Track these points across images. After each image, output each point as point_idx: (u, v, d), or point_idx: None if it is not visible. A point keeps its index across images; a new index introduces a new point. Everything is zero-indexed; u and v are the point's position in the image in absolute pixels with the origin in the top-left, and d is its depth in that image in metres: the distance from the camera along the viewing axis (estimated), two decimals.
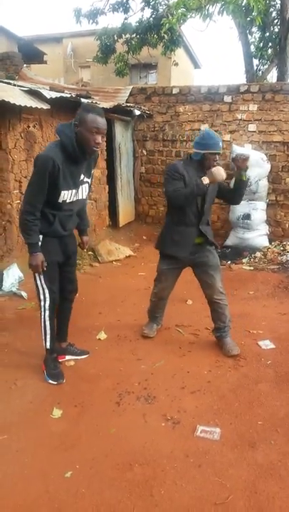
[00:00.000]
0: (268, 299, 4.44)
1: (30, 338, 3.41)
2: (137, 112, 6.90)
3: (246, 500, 1.92)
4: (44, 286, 2.70)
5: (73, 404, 2.61)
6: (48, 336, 2.81)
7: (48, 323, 2.78)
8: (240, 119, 6.46)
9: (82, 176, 2.62)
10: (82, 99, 5.34)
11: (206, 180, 2.87)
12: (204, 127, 6.74)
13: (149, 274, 5.30)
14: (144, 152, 7.34)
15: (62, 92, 5.52)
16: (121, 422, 2.47)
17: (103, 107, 5.76)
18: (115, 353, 3.26)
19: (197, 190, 2.90)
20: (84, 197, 2.72)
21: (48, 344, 2.83)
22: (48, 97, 4.59)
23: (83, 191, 2.69)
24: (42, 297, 2.73)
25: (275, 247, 6.20)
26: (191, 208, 3.08)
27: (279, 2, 9.13)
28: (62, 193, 2.52)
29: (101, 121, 2.41)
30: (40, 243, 2.58)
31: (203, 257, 3.19)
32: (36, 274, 2.68)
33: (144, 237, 7.11)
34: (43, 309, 2.75)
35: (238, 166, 2.99)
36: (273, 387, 2.80)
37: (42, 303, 2.74)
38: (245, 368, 3.05)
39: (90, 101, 5.56)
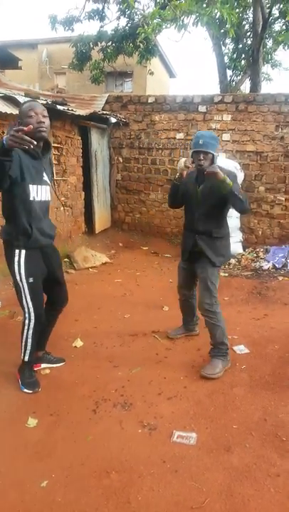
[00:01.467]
0: (242, 305, 4.52)
1: (4, 347, 3.36)
2: (113, 120, 6.94)
3: (222, 503, 1.94)
4: (30, 305, 2.64)
5: (49, 413, 2.58)
6: (28, 351, 2.76)
7: (30, 340, 2.73)
8: (215, 129, 6.59)
9: (44, 175, 2.59)
10: (58, 106, 5.34)
11: (175, 175, 3.01)
12: (179, 136, 6.85)
13: (126, 281, 5.34)
14: (120, 159, 7.38)
15: (38, 98, 5.50)
16: (98, 429, 2.46)
17: (79, 114, 5.78)
18: (92, 361, 3.25)
19: (171, 186, 3.12)
20: (48, 198, 2.68)
21: (27, 357, 2.78)
22: (23, 102, 4.56)
23: (47, 192, 2.65)
24: (27, 316, 2.67)
25: (249, 253, 6.33)
26: (187, 213, 3.16)
27: (251, 15, 9.41)
28: (31, 187, 2.47)
29: (35, 104, 2.47)
30: (21, 258, 2.55)
31: (197, 268, 3.13)
32: (22, 293, 2.60)
33: (121, 244, 7.13)
34: (26, 327, 2.70)
35: (212, 179, 2.78)
36: (248, 391, 2.85)
37: (26, 321, 2.69)
38: (202, 369, 3.06)
39: (65, 108, 5.57)
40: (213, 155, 2.88)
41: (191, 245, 3.14)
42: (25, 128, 1.99)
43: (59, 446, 2.31)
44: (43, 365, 3.05)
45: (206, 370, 3.00)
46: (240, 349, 3.42)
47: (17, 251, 2.56)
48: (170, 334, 3.69)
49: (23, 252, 2.55)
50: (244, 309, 4.38)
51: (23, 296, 2.62)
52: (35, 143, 2.04)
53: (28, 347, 2.75)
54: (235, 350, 3.39)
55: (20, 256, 2.56)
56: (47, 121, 2.47)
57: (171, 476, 2.10)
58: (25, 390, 2.76)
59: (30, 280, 2.59)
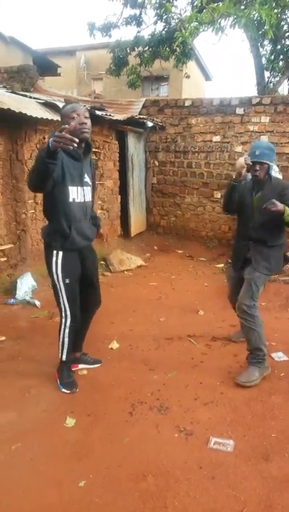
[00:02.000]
0: (280, 311, 4.42)
1: (44, 346, 3.44)
2: (150, 124, 6.98)
3: None
4: (66, 305, 2.70)
5: (86, 414, 2.62)
6: (66, 350, 2.82)
7: (66, 339, 2.79)
8: (252, 131, 6.49)
9: (86, 177, 2.63)
10: (96, 111, 5.43)
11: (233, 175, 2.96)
12: (216, 139, 6.80)
13: (161, 284, 5.35)
14: (156, 163, 7.41)
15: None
16: (134, 432, 2.47)
17: (117, 119, 5.85)
18: (127, 363, 3.27)
19: (229, 188, 3.03)
20: (89, 199, 2.71)
21: (64, 357, 2.84)
22: None
23: (89, 193, 2.69)
24: (63, 314, 2.74)
25: None
26: (242, 221, 3.13)
27: None
28: (70, 189, 2.51)
29: (76, 106, 2.52)
30: (59, 259, 2.60)
31: (246, 272, 3.07)
32: (59, 293, 2.67)
33: (156, 248, 7.15)
34: (63, 326, 2.76)
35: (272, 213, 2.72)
36: (287, 399, 2.78)
37: (63, 320, 2.75)
38: (238, 376, 3.00)
39: (103, 113, 5.65)
40: (268, 165, 2.92)
41: (245, 254, 3.10)
42: (67, 126, 2.07)
43: (96, 447, 2.34)
44: (81, 366, 3.11)
45: (241, 377, 2.95)
46: (279, 356, 3.35)
47: (55, 252, 2.62)
48: (232, 337, 3.67)
49: (61, 253, 2.60)
50: (282, 315, 4.29)
51: (60, 296, 2.69)
52: (77, 141, 2.07)
53: (65, 346, 2.80)
54: (273, 357, 3.32)
55: (58, 257, 2.61)
56: (89, 122, 2.52)
57: (208, 483, 2.08)
58: (64, 390, 2.82)
59: (67, 281, 2.64)
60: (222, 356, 3.41)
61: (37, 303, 4.37)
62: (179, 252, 6.99)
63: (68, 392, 2.81)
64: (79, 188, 2.58)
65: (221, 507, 1.94)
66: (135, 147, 7.01)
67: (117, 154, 6.51)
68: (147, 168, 7.46)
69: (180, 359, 3.36)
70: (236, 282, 3.25)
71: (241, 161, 2.85)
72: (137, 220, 7.27)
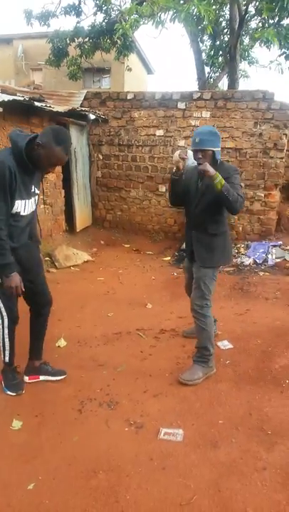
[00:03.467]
0: (224, 301, 4.55)
1: None
2: (92, 117, 6.88)
3: (210, 499, 1.95)
4: (1, 304, 2.57)
5: (34, 415, 2.55)
6: (7, 352, 2.69)
7: (6, 340, 2.65)
8: (194, 126, 6.59)
9: (33, 187, 2.51)
10: (36, 103, 5.26)
11: (173, 169, 2.94)
12: (159, 133, 6.85)
13: (108, 279, 5.31)
14: (100, 156, 7.33)
15: (15, 94, 5.39)
16: (83, 429, 2.44)
17: (58, 111, 5.71)
18: (76, 360, 3.22)
19: (170, 182, 3.00)
20: (34, 208, 2.59)
21: (6, 359, 2.71)
22: (0, 100, 4.48)
23: (33, 203, 2.57)
24: (0, 315, 2.60)
25: None
26: (187, 209, 3.08)
27: (228, 12, 9.45)
28: (16, 203, 2.39)
29: (66, 158, 2.39)
30: None
31: (194, 265, 3.05)
32: None
33: (102, 242, 7.09)
34: (1, 327, 2.62)
35: (206, 178, 2.75)
36: (233, 386, 2.87)
37: (0, 321, 2.61)
38: (181, 373, 3.00)
39: (43, 104, 5.48)
40: (213, 151, 2.81)
41: (190, 244, 3.08)
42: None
43: (45, 448, 2.29)
44: (42, 378, 2.88)
45: (184, 375, 2.93)
46: (224, 344, 3.45)
47: None
48: (186, 333, 3.64)
49: None
50: (227, 305, 4.42)
51: None
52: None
53: (7, 348, 2.68)
54: (219, 346, 3.42)
55: None
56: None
57: (159, 474, 2.11)
58: (9, 392, 2.72)
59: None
60: (170, 348, 3.45)
61: None
62: (126, 246, 6.98)
63: (14, 394, 2.72)
64: (26, 201, 2.46)
65: (172, 496, 1.97)
66: (78, 140, 6.88)
67: None
68: (91, 162, 7.36)
69: (129, 353, 3.36)
70: (190, 275, 3.19)
71: (176, 155, 2.83)
72: (82, 215, 7.16)
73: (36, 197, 2.59)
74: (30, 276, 2.65)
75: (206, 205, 2.89)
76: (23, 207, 2.45)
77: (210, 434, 2.40)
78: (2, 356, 2.73)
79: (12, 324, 2.65)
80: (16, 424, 2.46)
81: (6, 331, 2.63)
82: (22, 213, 2.47)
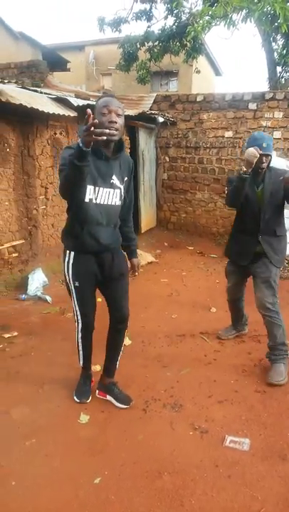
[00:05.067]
0: (285, 306, 4.36)
1: (56, 342, 3.44)
2: (161, 119, 6.94)
3: None
4: (76, 308, 2.50)
5: (100, 410, 2.61)
6: (81, 354, 2.66)
7: (80, 343, 2.62)
8: (265, 126, 6.42)
9: (113, 178, 2.32)
10: None
11: (242, 169, 2.82)
12: (228, 134, 6.74)
13: (172, 281, 5.31)
14: (167, 159, 7.36)
15: (88, 99, 5.59)
16: (148, 429, 2.45)
17: (128, 114, 5.82)
18: (140, 360, 3.25)
19: (239, 182, 2.84)
20: (115, 203, 2.37)
21: (80, 362, 2.70)
22: (76, 104, 4.65)
23: (114, 196, 2.35)
24: (75, 318, 2.56)
25: None
26: (248, 215, 3.05)
27: None
28: (88, 188, 2.23)
29: (110, 100, 2.19)
30: (70, 260, 2.38)
31: (257, 267, 3.06)
32: (71, 295, 2.46)
33: (166, 244, 7.11)
34: (76, 330, 2.59)
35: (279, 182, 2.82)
36: None
37: (76, 323, 2.57)
38: (268, 376, 2.97)
39: None
40: (271, 156, 2.93)
41: (253, 249, 3.07)
42: (92, 120, 1.85)
43: (111, 444, 2.33)
44: (108, 398, 2.72)
45: (273, 377, 2.91)
46: None
47: (67, 252, 2.42)
48: (221, 335, 3.64)
49: (72, 253, 2.39)
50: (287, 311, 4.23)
51: (72, 298, 2.50)
52: (107, 131, 1.93)
53: (80, 349, 2.65)
54: (287, 358, 3.27)
55: (70, 257, 2.40)
56: (120, 120, 2.20)
57: (224, 481, 2.06)
58: (74, 398, 2.71)
59: (76, 284, 2.42)
60: (235, 354, 3.38)
61: (48, 298, 4.36)
62: (190, 248, 6.94)
63: (78, 401, 2.68)
64: (101, 188, 2.29)
65: (239, 506, 1.92)
66: (146, 143, 6.97)
67: (128, 150, 6.48)
68: (158, 164, 7.42)
69: (193, 356, 3.34)
70: (238, 277, 3.33)
71: (253, 150, 2.71)
72: (148, 216, 7.23)
73: (118, 190, 2.36)
74: (112, 287, 2.53)
75: (273, 210, 2.99)
76: (95, 194, 2.28)
77: (278, 446, 2.31)
78: (78, 358, 2.71)
79: (85, 331, 2.57)
80: (84, 418, 2.53)
81: (79, 335, 2.59)
82: (95, 201, 2.28)
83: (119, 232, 2.55)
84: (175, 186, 7.40)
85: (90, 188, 2.25)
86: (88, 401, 2.70)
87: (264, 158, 2.85)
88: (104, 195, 2.32)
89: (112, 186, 2.34)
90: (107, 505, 1.93)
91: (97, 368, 3.01)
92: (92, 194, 2.28)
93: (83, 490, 2.01)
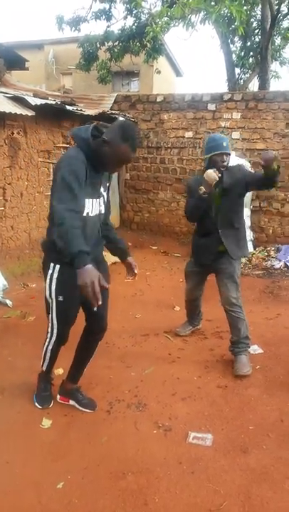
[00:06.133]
0: (254, 305, 4.48)
1: (17, 347, 3.36)
2: (122, 120, 6.92)
3: (241, 505, 1.91)
4: (54, 323, 2.36)
5: (63, 414, 2.57)
6: (46, 362, 2.55)
7: (48, 354, 2.51)
8: (224, 127, 6.55)
9: (101, 188, 2.28)
10: (67, 106, 5.34)
11: (201, 189, 2.91)
12: (188, 135, 6.82)
13: (136, 281, 5.28)
14: None
15: (47, 98, 5.50)
16: (112, 430, 2.44)
17: (88, 114, 5.78)
18: (104, 361, 3.22)
19: (200, 202, 2.99)
20: (100, 211, 2.30)
21: (44, 367, 2.59)
22: (33, 103, 4.57)
23: (100, 205, 2.29)
24: (50, 330, 2.41)
25: (260, 252, 6.28)
26: (207, 217, 3.11)
27: (260, 13, 9.35)
28: (87, 201, 2.15)
29: (132, 155, 2.17)
30: (55, 273, 2.24)
31: (221, 264, 3.14)
32: (50, 309, 2.33)
33: (130, 244, 7.09)
34: (48, 340, 2.46)
35: (265, 166, 2.78)
36: (263, 391, 2.82)
37: (48, 335, 2.43)
38: (234, 369, 3.03)
39: (74, 108, 5.56)
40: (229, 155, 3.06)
41: (216, 248, 3.13)
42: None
43: (74, 447, 2.30)
44: (71, 403, 2.66)
45: (240, 369, 3.00)
46: (254, 349, 3.39)
47: (52, 265, 2.27)
48: (179, 331, 3.70)
49: (58, 267, 2.24)
50: (256, 309, 4.34)
51: (51, 311, 2.36)
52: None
53: (47, 359, 2.54)
54: (249, 351, 3.35)
55: (54, 270, 2.26)
56: None
57: (188, 478, 2.08)
58: (36, 404, 2.62)
59: (60, 298, 2.29)
60: (198, 351, 3.42)
61: (9, 302, 4.25)
62: (154, 248, 6.98)
63: (40, 407, 2.59)
64: (94, 200, 2.22)
65: (202, 501, 1.94)
66: None
67: None
68: None
69: (157, 355, 3.35)
70: (200, 277, 3.43)
71: (212, 173, 2.88)
72: (110, 217, 7.20)
73: (102, 199, 2.31)
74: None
75: (230, 204, 3.09)
76: (91, 207, 2.21)
77: (240, 439, 2.36)
78: (41, 362, 2.60)
79: (58, 345, 2.48)
80: (46, 422, 2.48)
81: (51, 347, 2.47)
82: (91, 214, 2.21)
83: (103, 237, 2.46)
84: (138, 186, 7.42)
85: (87, 201, 2.16)
86: (50, 406, 2.63)
87: (224, 156, 2.96)
88: (95, 206, 2.24)
89: (99, 196, 2.28)
90: (70, 509, 1.91)
91: (59, 371, 2.96)
92: (88, 207, 2.19)
93: (46, 495, 1.98)
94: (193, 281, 3.47)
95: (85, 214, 2.17)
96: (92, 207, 2.22)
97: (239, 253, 3.20)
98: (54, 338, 2.43)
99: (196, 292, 3.53)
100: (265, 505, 1.91)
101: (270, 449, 2.28)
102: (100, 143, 2.09)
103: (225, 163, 2.97)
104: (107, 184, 2.38)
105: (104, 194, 2.35)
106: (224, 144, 2.95)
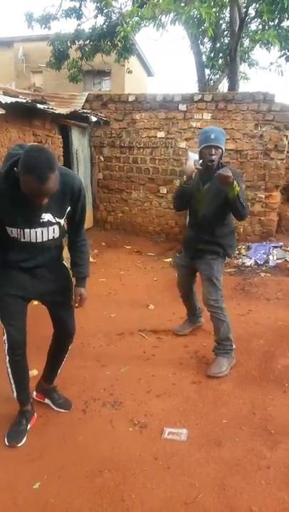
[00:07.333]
0: (226, 301, 4.52)
1: None
2: (94, 119, 6.90)
3: (215, 497, 1.97)
4: (2, 325, 2.23)
5: (38, 415, 2.56)
6: (13, 385, 2.32)
7: (9, 369, 2.28)
8: (195, 127, 6.62)
9: (43, 215, 2.05)
10: (38, 105, 5.28)
11: (184, 178, 2.90)
12: (160, 135, 6.87)
13: (110, 280, 5.32)
14: (102, 158, 7.35)
15: (17, 97, 5.42)
16: (88, 429, 2.45)
17: (60, 113, 5.73)
18: (79, 361, 3.22)
19: (180, 190, 3.01)
20: (52, 238, 2.14)
21: (14, 393, 2.35)
22: (3, 102, 4.50)
23: (48, 233, 2.11)
24: (4, 338, 2.23)
25: None
26: (192, 212, 3.13)
27: (228, 15, 9.50)
28: (9, 229, 2.05)
29: (42, 188, 1.81)
30: None
31: (201, 264, 3.12)
32: None
33: (103, 244, 7.10)
34: (5, 353, 2.25)
35: (221, 183, 2.73)
36: (236, 386, 2.89)
37: (4, 345, 2.24)
38: (208, 368, 3.10)
39: (45, 106, 5.50)
40: (222, 150, 2.87)
41: (197, 245, 3.14)
42: None
43: (50, 448, 2.30)
44: (47, 401, 2.66)
45: (211, 369, 3.00)
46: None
47: None
48: (177, 330, 3.70)
49: None
50: (228, 305, 4.35)
51: None
52: None
53: (10, 377, 2.30)
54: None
55: None
56: (46, 199, 1.93)
57: (163, 473, 2.12)
58: (5, 440, 2.32)
59: None
60: (173, 348, 3.46)
61: None
62: (127, 247, 7.00)
63: (7, 444, 2.30)
64: (25, 230, 2.06)
65: (178, 495, 1.98)
66: (79, 142, 6.91)
67: (61, 149, 6.38)
68: (92, 164, 7.38)
69: (132, 354, 3.38)
70: (187, 271, 3.38)
71: (192, 164, 2.80)
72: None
73: (55, 227, 2.12)
74: (54, 303, 2.38)
75: (214, 209, 2.95)
76: (21, 235, 2.06)
77: (214, 433, 2.41)
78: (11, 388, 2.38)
79: (11, 352, 2.23)
80: None
81: (7, 358, 2.25)
82: (23, 240, 2.08)
83: (69, 254, 2.38)
84: (111, 186, 7.41)
85: (10, 229, 2.06)
86: (20, 444, 2.31)
87: (213, 149, 2.80)
88: (33, 235, 2.08)
89: (46, 224, 2.09)
90: (47, 509, 1.91)
91: (34, 372, 2.94)
92: (14, 233, 2.07)
93: (22, 497, 1.97)
94: (180, 274, 3.48)
95: (12, 236, 2.07)
96: (22, 235, 2.06)
97: (219, 254, 3.07)
98: (6, 344, 2.23)
99: (185, 285, 3.47)
100: (238, 496, 1.97)
101: (243, 441, 2.34)
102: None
103: (213, 157, 2.80)
104: (68, 209, 2.14)
105: (60, 221, 2.14)
106: (212, 136, 2.76)
